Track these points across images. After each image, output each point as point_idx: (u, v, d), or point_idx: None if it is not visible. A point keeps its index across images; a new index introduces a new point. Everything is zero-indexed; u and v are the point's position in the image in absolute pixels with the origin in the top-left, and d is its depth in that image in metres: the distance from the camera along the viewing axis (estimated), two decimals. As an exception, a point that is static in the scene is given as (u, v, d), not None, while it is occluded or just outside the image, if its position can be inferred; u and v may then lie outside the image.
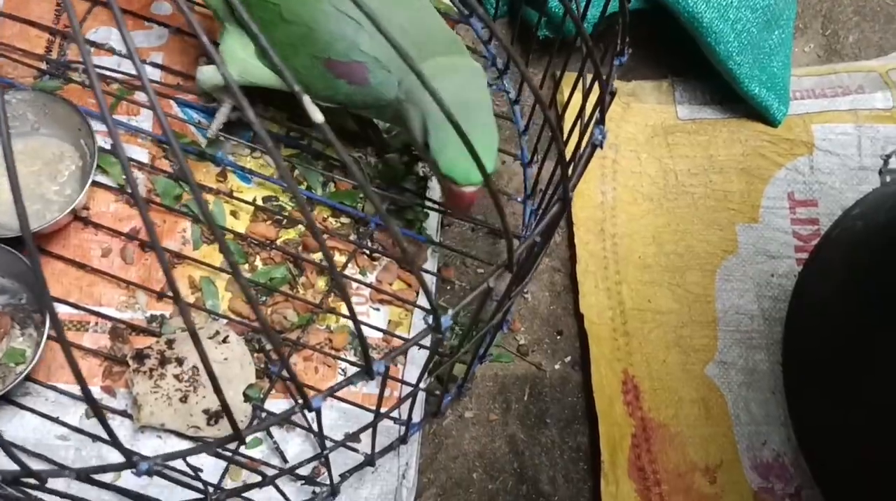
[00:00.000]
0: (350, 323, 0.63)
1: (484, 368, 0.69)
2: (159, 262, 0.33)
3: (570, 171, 0.38)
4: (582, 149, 0.40)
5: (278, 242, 0.64)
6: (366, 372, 0.34)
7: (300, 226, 0.65)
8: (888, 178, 0.78)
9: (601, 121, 0.40)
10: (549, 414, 0.69)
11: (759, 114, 0.78)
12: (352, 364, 0.61)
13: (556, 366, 0.71)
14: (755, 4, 0.75)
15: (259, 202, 0.65)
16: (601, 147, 0.40)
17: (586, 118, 0.44)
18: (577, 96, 0.58)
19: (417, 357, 0.63)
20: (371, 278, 0.65)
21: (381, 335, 0.63)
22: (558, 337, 0.72)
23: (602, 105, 0.41)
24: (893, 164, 0.79)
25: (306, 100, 0.27)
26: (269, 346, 0.62)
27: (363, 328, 0.63)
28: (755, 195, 0.77)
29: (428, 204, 0.66)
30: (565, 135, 0.57)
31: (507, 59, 0.72)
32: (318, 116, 0.27)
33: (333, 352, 0.61)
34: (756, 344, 0.72)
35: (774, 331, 0.72)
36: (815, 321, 0.71)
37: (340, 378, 0.62)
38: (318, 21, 0.54)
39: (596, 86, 0.41)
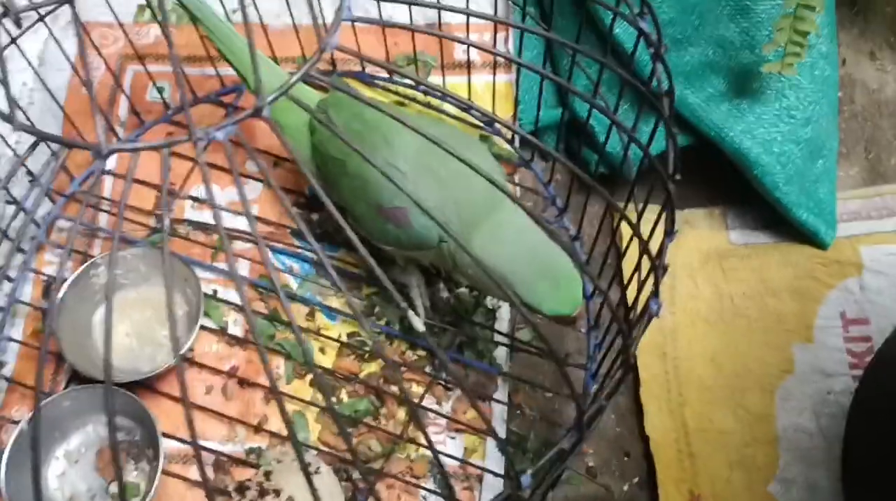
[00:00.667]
0: (429, 452, 0.68)
1: (554, 490, 0.73)
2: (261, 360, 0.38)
3: (630, 337, 0.43)
4: (638, 316, 0.45)
5: (361, 375, 0.70)
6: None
7: (381, 361, 0.71)
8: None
9: (656, 294, 0.45)
10: (619, 535, 0.72)
11: (808, 238, 0.82)
12: (431, 491, 0.66)
13: (625, 488, 0.74)
14: (798, 138, 0.81)
15: (343, 338, 0.71)
16: (657, 316, 0.45)
17: (641, 285, 0.49)
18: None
19: (493, 482, 0.68)
20: (447, 408, 0.70)
21: (457, 463, 0.68)
22: (625, 459, 0.76)
23: (656, 278, 0.46)
24: (942, 282, 0.82)
25: (410, 314, 0.34)
26: (356, 475, 0.67)
27: (441, 457, 0.68)
28: (808, 316, 0.81)
29: (497, 337, 0.72)
30: (626, 278, 0.62)
31: (566, 198, 0.78)
32: (419, 326, 0.33)
33: (414, 480, 0.67)
34: (816, 460, 0.75)
35: (834, 448, 0.75)
36: (873, 437, 0.74)
37: (422, 504, 0.67)
38: (370, 173, 0.63)
39: (646, 259, 0.47)
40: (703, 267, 0.83)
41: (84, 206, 0.39)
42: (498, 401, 0.70)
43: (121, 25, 0.75)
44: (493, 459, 0.69)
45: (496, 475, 0.67)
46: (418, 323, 0.34)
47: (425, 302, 0.71)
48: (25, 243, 0.74)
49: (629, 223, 0.45)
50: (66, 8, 0.81)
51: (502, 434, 0.68)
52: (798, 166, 0.81)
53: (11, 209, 0.72)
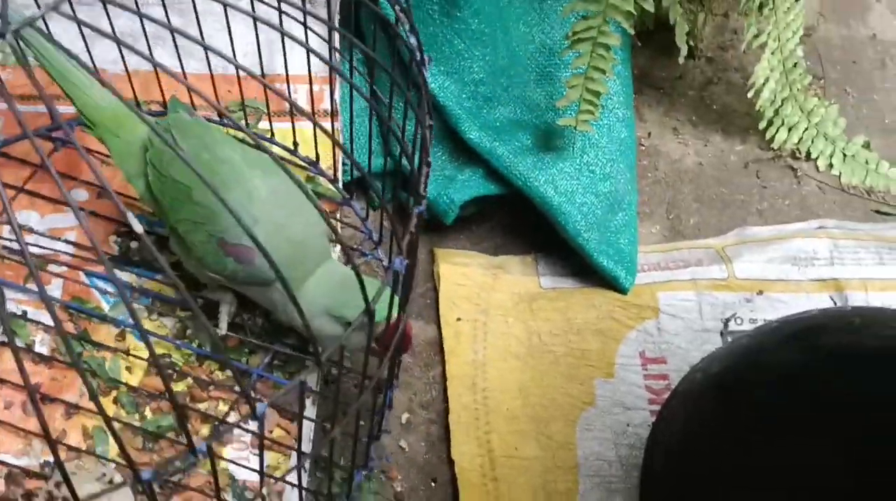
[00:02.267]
0: (230, 467, 0.70)
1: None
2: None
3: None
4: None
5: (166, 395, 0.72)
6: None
7: (189, 379, 0.73)
8: (729, 339, 0.90)
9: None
10: (423, 559, 0.75)
11: (610, 284, 0.90)
12: (229, 503, 0.67)
13: (430, 513, 0.77)
14: (598, 191, 0.90)
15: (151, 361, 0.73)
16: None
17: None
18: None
19: (293, 497, 0.70)
20: (252, 425, 0.72)
21: (258, 478, 0.70)
22: (433, 485, 0.79)
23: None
24: (732, 327, 0.90)
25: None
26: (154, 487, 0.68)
27: (242, 471, 0.70)
28: (610, 354, 0.87)
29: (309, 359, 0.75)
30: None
31: (380, 233, 0.84)
32: (137, 227, 0.37)
33: (212, 492, 0.68)
34: (615, 488, 0.80)
35: (631, 477, 0.80)
36: (666, 469, 0.79)
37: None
38: (220, 205, 0.66)
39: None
40: (514, 308, 0.89)
41: None
42: (308, 418, 0.72)
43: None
44: (294, 477, 0.70)
45: (293, 485, 0.69)
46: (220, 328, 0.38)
47: (229, 320, 0.74)
48: None
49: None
50: None
51: (308, 451, 0.71)
52: (598, 216, 0.89)
53: None
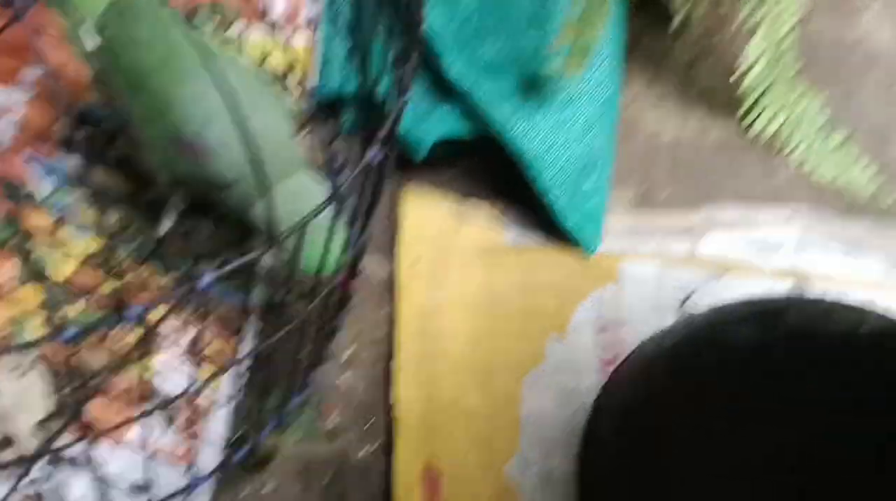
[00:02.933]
0: (155, 379, 0.66)
1: (289, 448, 0.72)
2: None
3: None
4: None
5: (101, 292, 0.68)
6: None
7: (123, 279, 0.69)
8: (684, 316, 0.89)
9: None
10: (349, 498, 0.72)
11: (574, 246, 0.87)
12: (148, 413, 0.63)
13: (361, 453, 0.74)
14: (574, 149, 0.87)
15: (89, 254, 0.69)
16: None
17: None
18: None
19: (220, 416, 0.66)
20: (187, 337, 0.68)
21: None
22: (369, 425, 0.76)
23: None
24: (689, 305, 0.89)
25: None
26: (69, 387, 0.64)
27: (167, 384, 0.66)
28: (565, 314, 0.85)
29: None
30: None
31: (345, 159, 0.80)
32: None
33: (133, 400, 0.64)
34: (555, 448, 0.78)
35: (573, 438, 0.79)
36: (609, 435, 0.78)
37: (137, 428, 0.64)
38: (177, 99, 0.62)
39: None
40: (475, 258, 0.86)
41: None
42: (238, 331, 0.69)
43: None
44: (226, 396, 0.67)
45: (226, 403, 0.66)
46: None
47: (172, 223, 0.70)
48: None
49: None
50: None
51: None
52: (570, 176, 0.87)
53: None
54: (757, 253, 0.93)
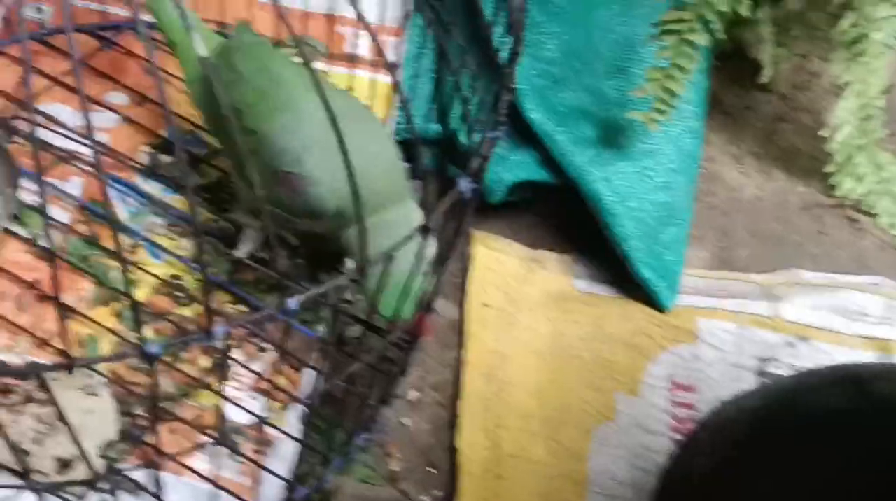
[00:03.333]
0: (223, 405, 0.65)
1: (351, 488, 0.70)
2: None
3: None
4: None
5: (172, 317, 0.68)
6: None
7: (199, 306, 0.68)
8: (765, 380, 0.85)
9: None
10: (408, 545, 0.69)
11: (649, 299, 0.85)
12: (215, 442, 0.63)
13: (424, 498, 0.72)
14: (654, 200, 0.85)
15: (164, 278, 0.69)
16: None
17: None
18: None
19: (285, 450, 0.65)
20: (256, 367, 0.68)
21: (251, 421, 0.65)
22: (432, 471, 0.74)
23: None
24: (771, 369, 0.86)
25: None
26: (138, 411, 0.63)
27: (235, 410, 0.65)
28: (637, 370, 0.82)
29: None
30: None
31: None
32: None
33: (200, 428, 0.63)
34: (623, 510, 0.74)
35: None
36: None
37: (201, 456, 0.63)
38: (271, 132, 0.62)
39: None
40: (545, 305, 0.84)
41: None
42: (310, 366, 0.68)
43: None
44: (293, 431, 0.66)
45: (290, 436, 0.64)
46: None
47: (252, 249, 0.70)
48: None
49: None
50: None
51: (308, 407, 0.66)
52: (649, 226, 0.85)
53: None
54: (840, 319, 0.89)
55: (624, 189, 0.84)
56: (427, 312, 0.63)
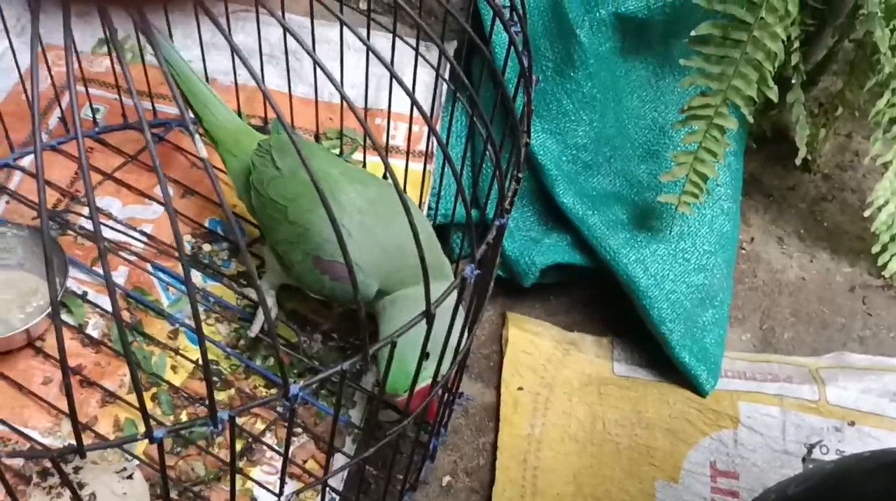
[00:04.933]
0: (254, 488, 0.67)
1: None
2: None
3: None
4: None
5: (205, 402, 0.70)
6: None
7: (232, 390, 0.71)
8: (811, 466, 0.83)
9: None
10: None
11: (689, 383, 0.85)
12: (246, 526, 0.64)
13: (456, 587, 0.72)
14: (690, 282, 0.86)
15: (200, 362, 0.72)
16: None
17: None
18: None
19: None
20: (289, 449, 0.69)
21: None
22: (463, 559, 0.74)
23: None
24: (817, 454, 0.84)
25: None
26: (172, 494, 0.65)
27: (267, 496, 0.67)
28: (677, 457, 0.82)
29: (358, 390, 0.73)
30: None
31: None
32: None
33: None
34: None
35: None
36: None
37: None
38: (313, 224, 0.66)
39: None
40: (581, 389, 0.85)
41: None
42: (344, 453, 0.69)
43: (76, 51, 0.82)
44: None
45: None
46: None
47: (265, 327, 0.73)
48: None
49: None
50: (28, 25, 0.89)
51: (339, 488, 0.67)
52: (686, 309, 0.85)
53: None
54: (889, 404, 0.87)
55: (659, 271, 0.85)
56: (446, 394, 0.64)
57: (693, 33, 0.78)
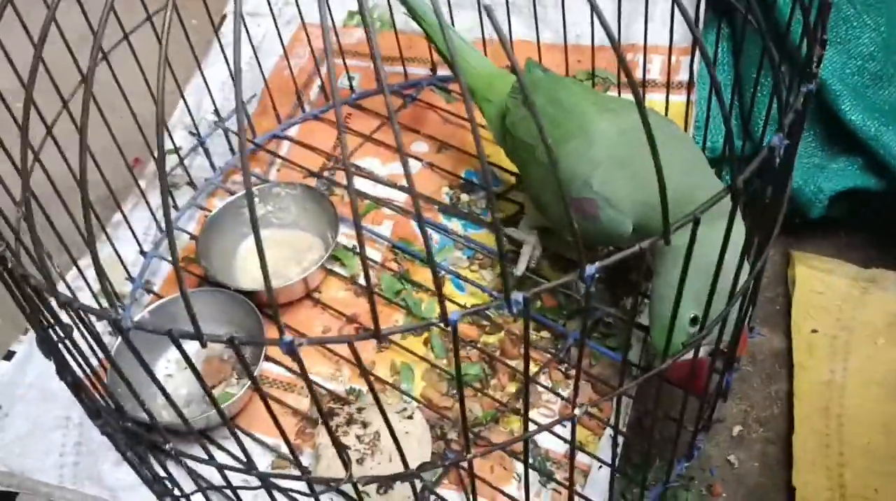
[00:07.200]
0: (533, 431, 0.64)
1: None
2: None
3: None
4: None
5: (478, 344, 0.69)
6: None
7: (502, 333, 0.69)
8: None
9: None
10: None
11: None
12: (531, 468, 0.62)
13: (757, 543, 0.65)
14: None
15: (468, 306, 0.71)
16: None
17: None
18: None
19: (599, 478, 0.63)
20: (563, 394, 0.66)
21: (563, 450, 0.63)
22: (763, 513, 0.67)
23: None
24: None
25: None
26: (450, 435, 0.64)
27: (547, 439, 0.64)
28: None
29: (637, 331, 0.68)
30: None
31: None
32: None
33: (512, 454, 0.63)
34: None
35: None
36: None
37: (514, 483, 0.63)
38: (560, 160, 0.63)
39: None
40: (887, 329, 0.75)
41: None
42: (625, 393, 0.65)
43: (333, 26, 0.86)
44: (606, 458, 0.63)
45: (604, 463, 0.62)
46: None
47: (531, 264, 0.72)
48: (200, 182, 0.82)
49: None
50: (287, 8, 0.93)
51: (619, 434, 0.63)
52: None
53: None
54: None
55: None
56: (738, 329, 0.57)
57: None
